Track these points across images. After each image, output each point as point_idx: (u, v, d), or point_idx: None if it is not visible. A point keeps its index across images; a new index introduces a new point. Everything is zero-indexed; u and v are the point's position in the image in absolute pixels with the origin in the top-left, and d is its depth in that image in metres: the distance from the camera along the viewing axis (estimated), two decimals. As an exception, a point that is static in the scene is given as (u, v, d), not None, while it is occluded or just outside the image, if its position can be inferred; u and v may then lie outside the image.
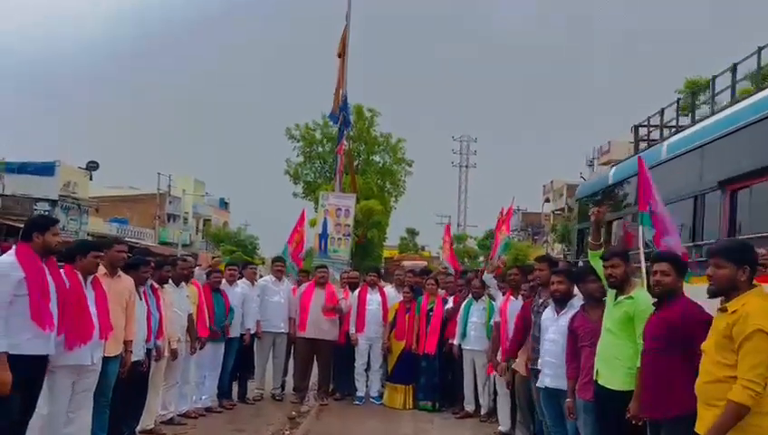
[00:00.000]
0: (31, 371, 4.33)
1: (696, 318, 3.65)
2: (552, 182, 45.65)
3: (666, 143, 6.97)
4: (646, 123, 11.39)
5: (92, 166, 37.09)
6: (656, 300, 3.95)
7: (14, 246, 4.51)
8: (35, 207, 28.28)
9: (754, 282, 3.22)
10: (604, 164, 35.90)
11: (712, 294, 3.29)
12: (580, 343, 4.69)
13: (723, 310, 3.19)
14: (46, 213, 27.08)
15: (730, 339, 3.07)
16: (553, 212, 44.86)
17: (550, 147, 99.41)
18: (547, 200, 47.33)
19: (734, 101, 7.77)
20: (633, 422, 3.97)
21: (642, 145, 10.66)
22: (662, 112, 10.55)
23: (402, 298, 8.68)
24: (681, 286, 3.90)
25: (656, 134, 10.80)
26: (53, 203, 30.25)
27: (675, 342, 3.69)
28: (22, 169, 31.48)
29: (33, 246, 4.46)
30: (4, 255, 4.46)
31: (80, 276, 4.84)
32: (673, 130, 9.28)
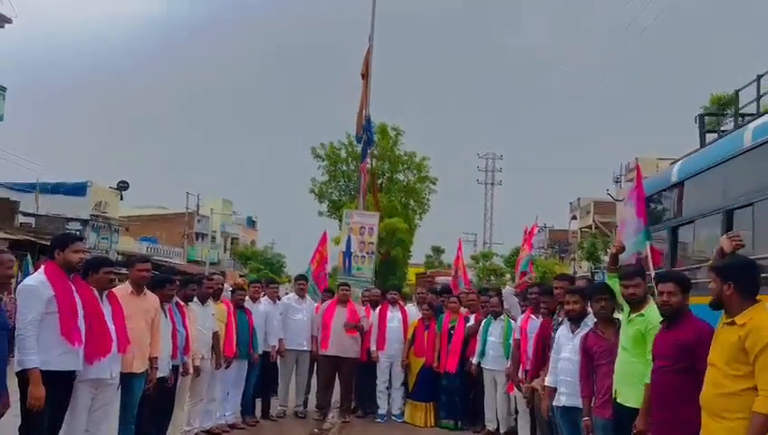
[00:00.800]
0: (60, 387, 4.48)
1: (709, 338, 3.67)
2: (578, 199, 45.25)
3: (751, 127, 5.98)
4: (716, 112, 10.47)
5: (123, 186, 37.81)
6: (662, 319, 3.99)
7: (43, 265, 4.68)
8: (67, 227, 28.90)
9: (758, 298, 3.29)
10: (631, 181, 35.56)
11: (710, 306, 3.46)
12: (597, 361, 4.71)
13: (731, 323, 3.28)
14: (77, 232, 27.68)
15: (744, 352, 3.15)
16: (580, 229, 44.43)
17: (576, 164, 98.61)
18: (574, 217, 46.89)
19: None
20: None
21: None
22: (736, 97, 8.41)
23: (421, 315, 8.73)
24: (687, 305, 3.98)
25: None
26: (85, 223, 30.90)
27: (686, 361, 3.75)
28: (55, 189, 32.30)
29: (57, 264, 4.62)
30: (35, 273, 4.63)
31: (95, 292, 4.93)
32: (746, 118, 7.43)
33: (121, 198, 37.82)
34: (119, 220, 35.36)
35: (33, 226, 27.58)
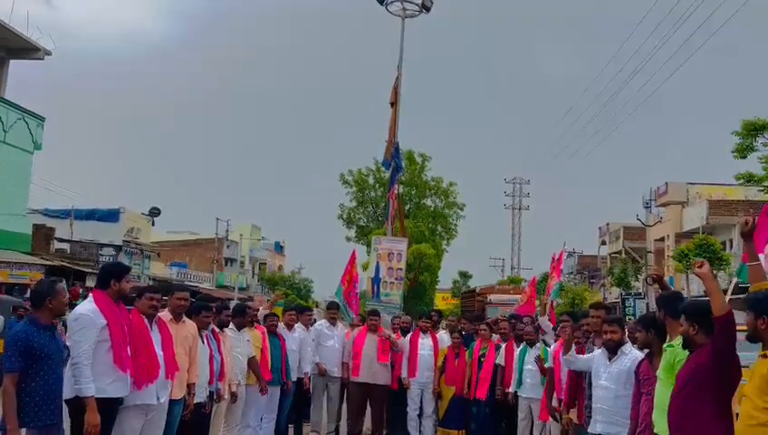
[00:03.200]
0: (106, 412, 4.60)
1: (726, 359, 3.68)
2: (608, 225, 44.81)
3: None
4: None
5: (155, 212, 38.57)
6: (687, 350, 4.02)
7: (91, 295, 4.84)
8: (101, 253, 29.55)
9: None
10: (662, 205, 35.15)
11: (747, 339, 3.48)
12: (642, 388, 4.71)
13: (764, 356, 3.30)
14: (111, 258, 28.22)
15: None
16: (610, 255, 43.93)
17: (605, 189, 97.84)
18: (603, 243, 46.40)
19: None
20: None
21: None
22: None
23: (451, 343, 8.75)
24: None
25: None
26: (118, 248, 31.55)
27: (704, 382, 3.75)
28: (89, 215, 33.11)
29: (109, 293, 4.78)
30: (85, 303, 4.78)
31: (145, 319, 5.13)
32: None
33: (153, 224, 38.56)
34: (150, 246, 36.04)
35: (68, 251, 28.24)
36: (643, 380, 4.73)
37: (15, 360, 4.18)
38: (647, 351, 4.93)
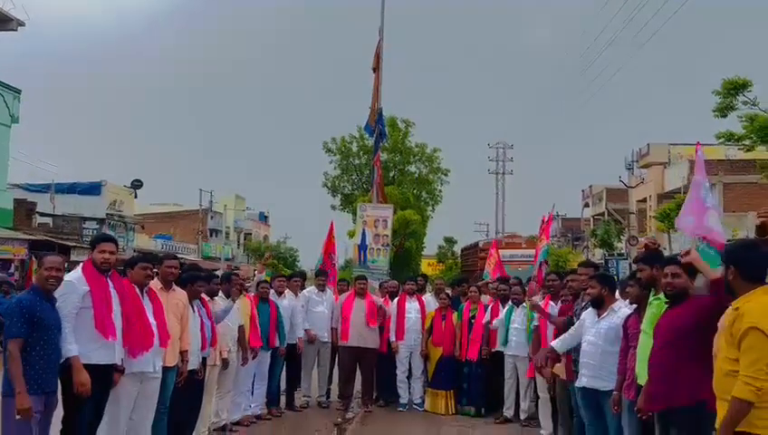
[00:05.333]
0: (99, 379, 4.66)
1: (709, 312, 3.79)
2: (590, 187, 45.06)
3: None
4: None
5: (137, 184, 38.12)
6: (668, 301, 4.16)
7: (83, 263, 4.89)
8: (84, 226, 29.30)
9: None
10: (644, 167, 35.40)
11: (726, 291, 3.54)
12: (630, 342, 4.83)
13: (735, 308, 3.35)
14: (94, 232, 28.00)
15: (732, 336, 3.22)
16: (593, 217, 44.30)
17: (587, 151, 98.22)
18: (586, 205, 46.73)
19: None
20: (640, 417, 4.15)
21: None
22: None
23: (439, 305, 8.87)
24: (692, 287, 4.09)
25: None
26: (101, 221, 31.24)
27: (685, 334, 3.89)
28: (71, 189, 32.68)
29: (92, 262, 4.84)
30: (73, 271, 4.83)
31: (136, 289, 5.18)
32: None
33: (135, 197, 38.19)
34: (134, 218, 35.74)
35: (51, 226, 27.96)
36: (631, 334, 4.85)
37: (21, 326, 4.23)
38: (635, 306, 5.05)
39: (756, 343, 3.09)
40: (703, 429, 3.64)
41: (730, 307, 3.39)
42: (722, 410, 3.29)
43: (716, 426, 3.34)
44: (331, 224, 11.37)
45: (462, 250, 33.88)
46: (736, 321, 3.19)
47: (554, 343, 5.84)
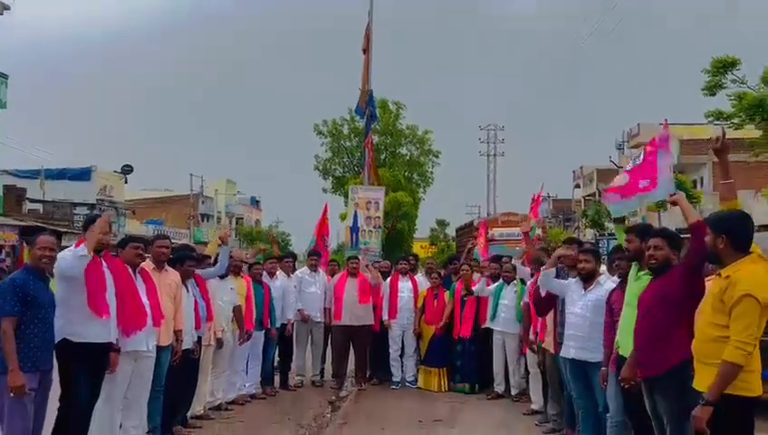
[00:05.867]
0: (95, 358, 4.72)
1: (687, 278, 3.92)
2: (581, 168, 45.19)
3: None
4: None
5: (127, 169, 38.00)
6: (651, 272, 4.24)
7: (76, 242, 4.92)
8: (75, 212, 29.21)
9: (752, 248, 3.46)
10: (634, 147, 35.50)
11: (708, 260, 3.71)
12: (615, 317, 4.92)
13: (718, 275, 3.47)
14: (85, 217, 27.87)
15: (722, 303, 3.34)
16: (584, 198, 44.49)
17: (578, 132, 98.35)
18: (577, 186, 46.89)
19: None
20: (624, 386, 4.26)
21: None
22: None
23: (430, 284, 8.95)
24: (674, 259, 4.18)
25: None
26: (92, 207, 31.16)
27: (667, 302, 4.00)
28: (60, 175, 32.53)
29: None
30: (66, 250, 4.85)
31: (129, 269, 5.21)
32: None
33: (126, 182, 38.05)
34: (124, 204, 35.69)
35: (41, 212, 27.86)
36: (616, 309, 4.94)
37: (15, 304, 4.26)
38: (618, 280, 5.15)
39: (749, 309, 3.23)
40: (686, 391, 3.75)
41: (716, 275, 3.50)
42: (702, 373, 3.41)
43: (697, 386, 3.45)
44: (325, 206, 11.45)
45: (457, 230, 33.92)
46: (728, 288, 3.31)
47: (547, 270, 5.89)
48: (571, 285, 5.69)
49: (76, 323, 4.64)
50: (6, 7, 22.93)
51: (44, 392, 4.47)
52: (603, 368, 5.06)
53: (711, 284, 3.56)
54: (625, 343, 4.45)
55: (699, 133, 30.04)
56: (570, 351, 5.49)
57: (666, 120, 6.56)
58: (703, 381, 3.41)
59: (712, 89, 15.19)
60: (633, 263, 4.66)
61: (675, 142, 29.62)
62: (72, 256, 4.63)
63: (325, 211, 11.23)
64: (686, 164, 28.96)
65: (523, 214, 28.33)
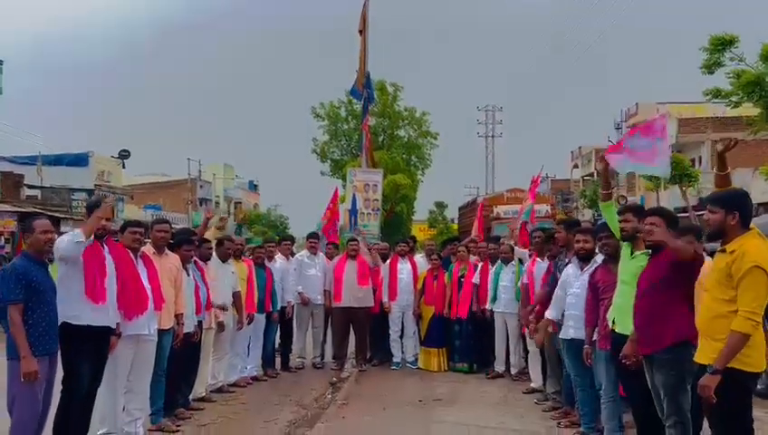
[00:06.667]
0: (96, 341, 4.75)
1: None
2: (579, 148, 45.11)
3: None
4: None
5: (124, 154, 37.95)
6: (650, 252, 4.27)
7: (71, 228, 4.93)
8: (73, 198, 29.15)
9: (751, 226, 3.52)
10: (632, 127, 35.44)
11: (708, 237, 3.71)
12: (601, 295, 4.95)
13: (722, 251, 3.53)
14: (83, 203, 27.85)
15: (729, 276, 3.41)
16: (582, 178, 44.46)
17: (577, 113, 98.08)
18: (576, 166, 46.84)
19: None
20: (625, 363, 4.29)
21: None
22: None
23: (430, 266, 8.99)
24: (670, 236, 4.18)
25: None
26: (90, 192, 31.07)
27: (666, 279, 4.04)
28: (58, 160, 32.42)
29: None
30: (66, 234, 4.84)
31: (130, 253, 5.23)
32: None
33: (123, 167, 37.97)
34: (122, 189, 35.61)
35: (39, 198, 27.81)
36: (602, 287, 4.96)
37: (19, 291, 4.26)
38: (603, 259, 5.16)
39: (758, 280, 3.31)
40: (684, 365, 3.83)
41: (720, 251, 3.55)
42: (707, 348, 3.46)
43: (699, 360, 3.54)
44: (336, 190, 11.47)
45: (459, 209, 33.74)
46: (736, 261, 3.38)
47: (549, 314, 5.89)
48: (568, 268, 5.73)
49: (75, 306, 4.65)
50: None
51: (51, 376, 4.49)
52: (586, 347, 5.11)
53: (715, 260, 3.61)
54: (621, 321, 4.49)
55: (698, 112, 29.99)
56: (569, 331, 5.53)
57: (667, 110, 6.61)
58: (707, 355, 3.47)
59: (710, 67, 15.09)
60: (626, 243, 4.65)
61: (671, 123, 29.64)
62: (68, 240, 4.62)
63: (335, 196, 11.26)
64: (684, 143, 28.91)
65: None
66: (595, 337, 5.07)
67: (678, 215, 4.61)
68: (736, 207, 3.53)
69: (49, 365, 4.42)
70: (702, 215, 15.71)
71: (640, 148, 5.11)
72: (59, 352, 4.58)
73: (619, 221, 4.61)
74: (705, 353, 3.51)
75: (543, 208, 20.67)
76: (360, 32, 13.59)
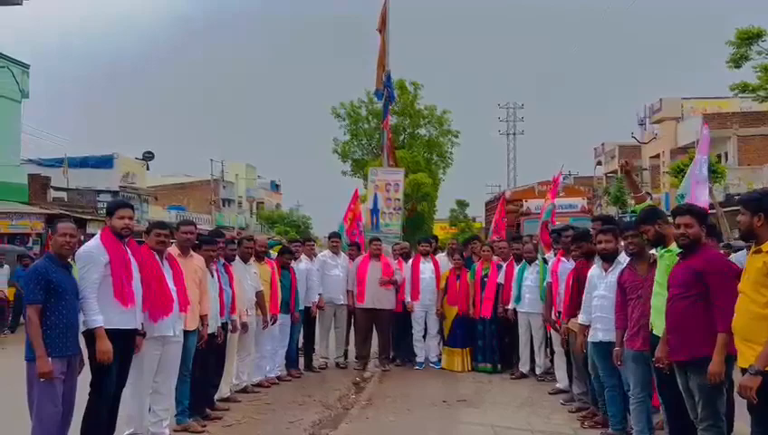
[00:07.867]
0: (122, 344, 4.78)
1: (719, 266, 3.92)
2: (603, 145, 44.63)
3: None
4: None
5: (148, 156, 38.33)
6: (682, 251, 4.17)
7: (100, 231, 4.95)
8: (98, 199, 29.54)
9: None
10: (656, 122, 34.94)
11: (741, 238, 3.68)
12: (628, 295, 4.87)
13: (758, 251, 3.45)
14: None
15: (767, 276, 3.32)
16: (606, 175, 44.01)
17: (600, 109, 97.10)
18: (599, 163, 46.36)
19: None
20: (659, 366, 4.23)
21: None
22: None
23: (453, 265, 8.94)
24: (704, 237, 4.15)
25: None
26: (115, 194, 31.46)
27: (697, 288, 3.95)
28: (83, 163, 32.89)
29: (110, 229, 4.89)
30: (92, 239, 4.89)
31: (156, 255, 5.26)
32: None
33: (147, 168, 38.39)
34: (147, 190, 36.00)
35: (66, 199, 28.22)
36: (629, 286, 4.89)
37: (38, 292, 4.32)
38: (628, 260, 5.08)
39: None
40: (726, 374, 3.76)
41: (755, 252, 3.49)
42: (749, 352, 3.38)
43: (742, 365, 3.46)
44: (356, 191, 11.49)
45: (486, 204, 33.42)
46: None
47: (581, 319, 5.78)
48: (593, 270, 5.65)
49: (103, 310, 4.66)
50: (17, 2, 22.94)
51: (72, 377, 4.53)
52: (616, 348, 5.03)
53: (749, 260, 3.53)
54: (658, 323, 4.41)
55: (724, 107, 29.51)
56: (597, 335, 5.45)
57: (706, 122, 7.34)
58: (748, 360, 3.40)
59: (737, 61, 14.85)
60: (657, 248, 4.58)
61: (696, 120, 29.24)
62: (90, 253, 4.68)
63: (355, 197, 11.26)
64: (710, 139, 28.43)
65: (564, 184, 27.80)
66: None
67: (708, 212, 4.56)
68: (761, 209, 3.49)
69: (68, 367, 4.45)
70: (728, 211, 15.45)
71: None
72: (79, 354, 4.61)
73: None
74: (744, 358, 3.43)
75: (578, 203, 19.94)
76: (380, 30, 13.58)
